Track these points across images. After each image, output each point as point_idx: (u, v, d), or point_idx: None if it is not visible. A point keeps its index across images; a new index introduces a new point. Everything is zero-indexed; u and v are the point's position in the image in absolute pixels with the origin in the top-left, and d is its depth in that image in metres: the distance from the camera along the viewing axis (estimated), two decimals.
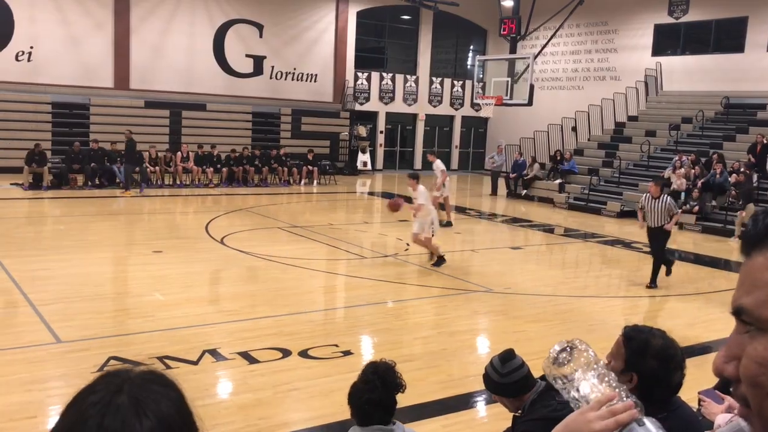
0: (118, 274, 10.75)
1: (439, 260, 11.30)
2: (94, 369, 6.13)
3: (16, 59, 21.63)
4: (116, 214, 16.14)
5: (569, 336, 1.56)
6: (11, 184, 18.80)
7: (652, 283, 10.57)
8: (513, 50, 21.82)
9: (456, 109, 31.07)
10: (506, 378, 3.09)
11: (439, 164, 15.67)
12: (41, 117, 21.65)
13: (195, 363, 6.51)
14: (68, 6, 22.22)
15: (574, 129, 25.41)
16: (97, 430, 0.99)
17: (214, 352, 6.81)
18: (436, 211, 11.98)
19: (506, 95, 19.86)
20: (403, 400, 3.19)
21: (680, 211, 11.08)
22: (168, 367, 6.28)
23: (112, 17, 23.00)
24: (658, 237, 10.57)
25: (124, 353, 6.63)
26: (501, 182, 23.17)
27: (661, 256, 10.69)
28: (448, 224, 15.54)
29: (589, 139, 24.24)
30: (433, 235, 11.37)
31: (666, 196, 10.55)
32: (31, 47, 21.78)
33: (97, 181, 19.40)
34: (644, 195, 10.82)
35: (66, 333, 7.19)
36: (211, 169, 21.29)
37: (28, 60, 21.80)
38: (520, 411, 3.11)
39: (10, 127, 20.99)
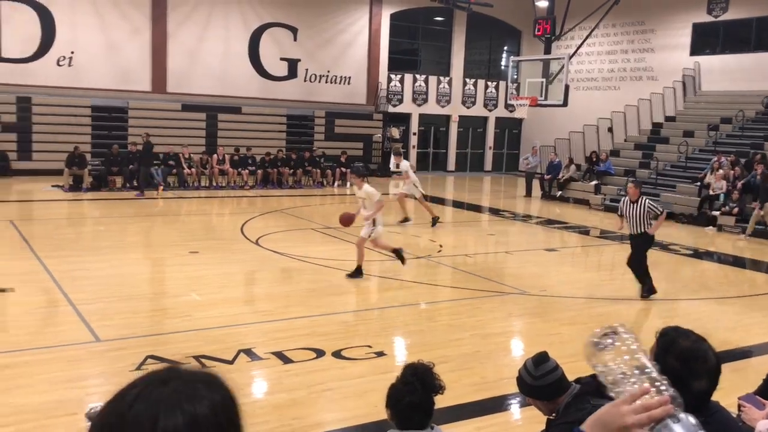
0: (156, 274, 10.91)
1: (357, 271, 10.18)
2: (132, 368, 6.24)
3: (58, 64, 22.13)
4: (154, 215, 16.40)
5: None
6: (52, 186, 19.23)
7: (647, 292, 9.59)
8: (548, 51, 21.64)
9: (490, 110, 30.92)
10: (540, 381, 3.07)
11: (404, 164, 15.82)
12: (81, 120, 22.12)
13: (230, 362, 6.58)
14: (107, 12, 22.66)
15: (610, 130, 25.10)
16: (129, 410, 1.02)
17: (249, 352, 6.88)
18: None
19: (541, 96, 19.71)
20: (437, 401, 3.19)
21: (665, 211, 9.84)
22: (204, 366, 6.36)
23: (150, 23, 23.38)
24: (639, 245, 9.63)
25: (162, 352, 6.73)
26: (535, 184, 22.98)
27: (642, 266, 9.68)
28: (407, 220, 15.43)
29: (625, 140, 23.92)
30: (369, 237, 10.34)
31: (644, 198, 9.51)
32: (72, 52, 22.25)
33: (135, 183, 19.73)
34: (623, 199, 9.88)
35: (105, 332, 7.34)
36: (247, 171, 21.52)
37: (69, 65, 22.28)
38: (554, 414, 3.09)
39: (51, 131, 21.50)
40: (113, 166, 19.76)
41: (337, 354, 6.94)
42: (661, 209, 9.58)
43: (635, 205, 9.42)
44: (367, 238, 10.32)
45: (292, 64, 26.14)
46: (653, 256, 13.58)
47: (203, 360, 6.56)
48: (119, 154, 20.04)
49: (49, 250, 11.20)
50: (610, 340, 1.40)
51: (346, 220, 10.36)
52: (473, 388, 6.22)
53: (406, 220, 15.46)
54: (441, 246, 13.31)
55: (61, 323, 7.76)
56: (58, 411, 5.41)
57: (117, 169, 19.76)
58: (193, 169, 20.93)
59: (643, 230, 9.46)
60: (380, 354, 7.07)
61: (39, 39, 21.89)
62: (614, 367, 1.36)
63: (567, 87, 19.36)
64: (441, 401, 3.25)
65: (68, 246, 11.95)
